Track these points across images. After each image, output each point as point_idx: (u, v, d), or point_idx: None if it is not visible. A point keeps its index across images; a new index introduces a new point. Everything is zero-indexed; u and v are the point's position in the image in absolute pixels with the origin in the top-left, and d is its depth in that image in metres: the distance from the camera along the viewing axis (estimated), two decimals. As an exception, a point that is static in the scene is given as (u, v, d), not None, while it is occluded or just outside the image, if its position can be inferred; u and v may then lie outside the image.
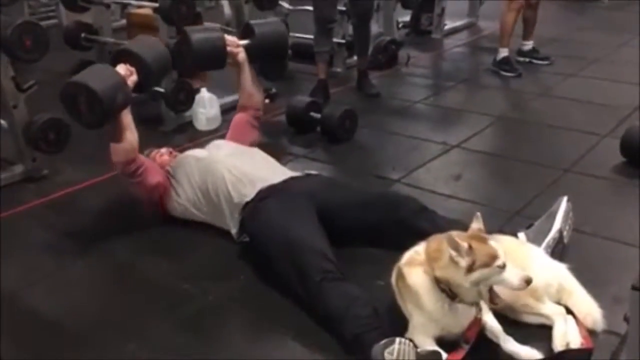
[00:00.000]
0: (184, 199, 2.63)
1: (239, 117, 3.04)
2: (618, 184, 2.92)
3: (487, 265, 1.72)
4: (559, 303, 1.98)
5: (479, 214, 1.87)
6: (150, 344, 2.01)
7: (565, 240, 2.28)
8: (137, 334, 2.06)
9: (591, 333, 1.89)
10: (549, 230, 2.25)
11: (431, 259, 1.82)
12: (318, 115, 3.57)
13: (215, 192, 2.51)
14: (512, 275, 1.74)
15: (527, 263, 2.00)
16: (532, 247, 2.11)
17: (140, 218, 2.81)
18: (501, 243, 2.01)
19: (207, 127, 3.73)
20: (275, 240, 2.18)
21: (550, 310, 1.93)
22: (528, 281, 1.73)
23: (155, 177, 2.64)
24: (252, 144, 2.91)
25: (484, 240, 1.77)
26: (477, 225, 1.86)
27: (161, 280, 2.33)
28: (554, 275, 2.01)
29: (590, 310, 1.94)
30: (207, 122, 3.73)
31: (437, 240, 1.82)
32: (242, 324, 2.14)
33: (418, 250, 1.91)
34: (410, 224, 2.26)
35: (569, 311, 1.96)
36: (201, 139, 3.64)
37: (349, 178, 3.06)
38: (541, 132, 3.60)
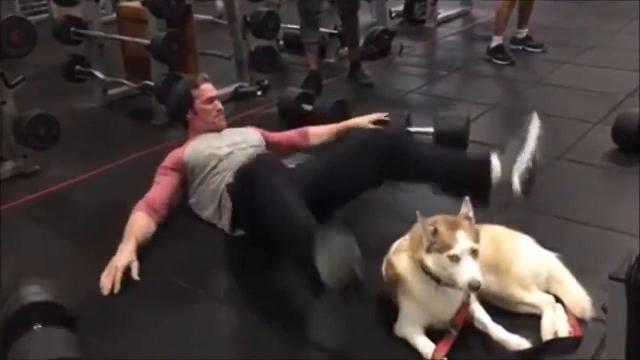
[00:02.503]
0: (190, 193, 2.65)
1: (295, 139, 2.95)
2: (610, 171, 2.91)
3: (440, 251, 1.74)
4: (547, 292, 1.98)
5: (467, 198, 1.87)
6: (143, 341, 2.00)
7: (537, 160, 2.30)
8: (130, 331, 2.05)
9: (580, 321, 1.89)
10: (521, 153, 2.26)
11: (413, 242, 1.85)
12: (309, 107, 3.56)
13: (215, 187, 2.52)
14: (463, 273, 1.71)
15: (515, 252, 2.01)
16: (521, 236, 2.10)
17: (127, 210, 2.80)
18: (490, 232, 2.04)
19: (199, 120, 3.70)
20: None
21: (538, 299, 1.93)
22: (474, 287, 1.70)
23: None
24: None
25: (454, 228, 1.76)
26: (465, 210, 1.86)
27: (155, 276, 2.31)
28: (542, 264, 2.01)
29: (579, 298, 1.93)
30: (198, 115, 3.70)
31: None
32: (237, 321, 2.13)
33: (406, 238, 1.92)
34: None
35: (557, 300, 1.96)
36: (193, 132, 3.64)
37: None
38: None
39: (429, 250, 1.77)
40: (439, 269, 1.77)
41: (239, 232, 2.41)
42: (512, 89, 4.22)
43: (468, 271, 1.71)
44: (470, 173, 2.35)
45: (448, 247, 1.73)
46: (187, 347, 1.96)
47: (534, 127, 2.33)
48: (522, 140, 2.29)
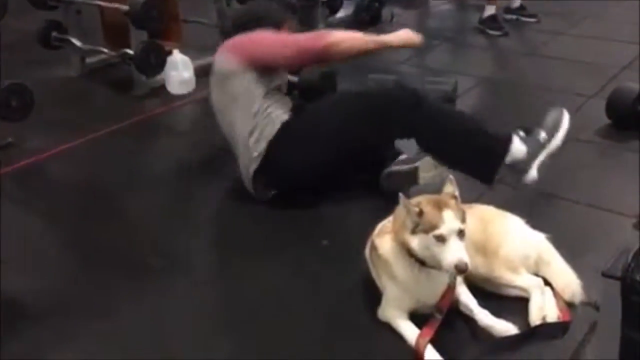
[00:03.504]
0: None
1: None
2: (602, 147, 2.83)
3: (425, 232, 1.66)
4: (537, 274, 1.91)
5: (452, 177, 1.79)
6: (117, 323, 1.91)
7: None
8: (104, 312, 1.96)
9: (569, 305, 1.82)
10: (547, 146, 2.17)
11: (396, 224, 1.77)
12: (295, 79, 3.43)
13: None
14: (449, 254, 1.63)
15: (504, 233, 1.94)
16: (511, 217, 2.02)
17: (111, 187, 2.71)
18: (478, 212, 1.97)
19: (181, 90, 3.58)
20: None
21: (527, 282, 1.86)
22: (460, 268, 1.62)
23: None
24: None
25: (440, 207, 1.68)
26: (449, 189, 1.78)
27: (131, 256, 2.23)
28: (532, 245, 1.94)
29: (569, 282, 1.87)
30: (180, 86, 3.58)
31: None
32: (212, 304, 2.03)
33: (390, 219, 1.85)
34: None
35: (547, 283, 1.89)
36: (175, 103, 3.53)
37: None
38: (527, 94, 3.50)
39: (413, 232, 1.69)
40: (424, 250, 1.69)
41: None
42: (504, 60, 4.12)
43: (454, 252, 1.64)
44: (484, 146, 2.18)
45: (434, 227, 1.65)
46: (157, 329, 1.88)
47: (565, 124, 2.22)
48: (551, 134, 2.18)
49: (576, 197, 2.40)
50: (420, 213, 1.68)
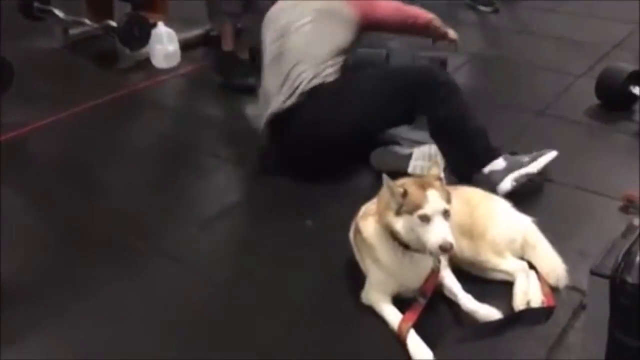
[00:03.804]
0: None
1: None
2: (591, 128, 2.81)
3: (410, 212, 1.64)
4: (522, 258, 1.90)
5: (439, 159, 1.77)
6: (98, 304, 1.89)
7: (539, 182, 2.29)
8: (86, 292, 1.93)
9: (554, 290, 1.82)
10: (524, 165, 2.23)
11: (380, 205, 1.75)
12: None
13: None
14: (434, 234, 1.62)
15: (491, 216, 1.92)
16: (497, 200, 2.01)
17: (93, 164, 2.67)
18: (464, 195, 1.95)
19: (166, 64, 3.52)
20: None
21: (512, 266, 1.85)
22: (445, 248, 1.61)
23: None
24: None
25: (424, 188, 1.66)
26: (435, 171, 1.76)
27: (114, 237, 2.19)
28: (518, 229, 1.93)
29: (554, 266, 1.86)
30: (165, 60, 3.51)
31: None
32: (192, 286, 1.98)
33: (374, 201, 1.82)
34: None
35: (532, 266, 1.88)
36: (160, 77, 3.47)
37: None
38: (516, 72, 3.46)
39: (398, 213, 1.67)
40: (409, 232, 1.67)
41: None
42: (494, 38, 4.06)
43: (439, 232, 1.62)
44: (476, 150, 2.27)
45: (418, 206, 1.63)
46: (139, 310, 1.86)
47: (549, 157, 2.31)
48: (533, 159, 2.28)
49: (563, 179, 2.38)
50: (405, 193, 1.66)
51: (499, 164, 2.23)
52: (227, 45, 3.23)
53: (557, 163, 2.49)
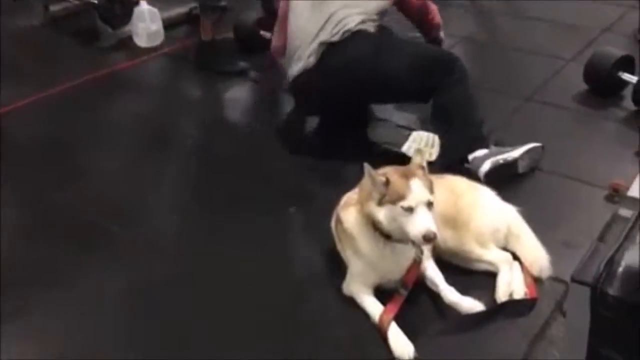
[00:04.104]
0: None
1: None
2: (578, 115, 2.77)
3: (392, 202, 1.61)
4: (505, 248, 1.88)
5: (422, 148, 1.73)
6: (75, 287, 1.85)
7: (520, 170, 2.28)
8: (60, 276, 1.90)
9: (537, 281, 1.80)
10: (505, 152, 2.27)
11: (362, 195, 1.72)
12: (268, 34, 3.30)
13: None
14: (417, 224, 1.59)
15: (475, 205, 1.89)
16: (482, 189, 1.98)
17: (72, 145, 2.61)
18: (449, 184, 1.92)
19: (149, 43, 3.43)
20: None
21: (495, 256, 1.83)
22: (429, 238, 1.59)
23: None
24: None
25: (406, 178, 1.63)
26: (417, 160, 1.73)
27: (90, 220, 2.15)
28: (502, 219, 1.90)
29: (538, 257, 1.83)
30: (148, 39, 3.43)
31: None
32: (171, 272, 1.95)
33: (355, 191, 1.79)
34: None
35: (516, 257, 1.86)
36: (142, 56, 3.39)
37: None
38: (506, 56, 3.41)
39: (380, 203, 1.64)
40: (391, 222, 1.64)
41: None
42: (485, 20, 4.00)
43: (422, 222, 1.59)
44: (468, 137, 2.34)
45: (401, 197, 1.60)
46: (113, 292, 1.83)
47: (531, 146, 2.33)
48: (514, 148, 2.31)
49: (549, 167, 2.35)
50: (387, 182, 1.62)
51: (482, 151, 2.26)
52: (207, 34, 3.14)
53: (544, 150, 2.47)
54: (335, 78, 2.39)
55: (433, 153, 2.32)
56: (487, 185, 2.04)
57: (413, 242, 1.64)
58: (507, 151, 2.27)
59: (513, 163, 2.25)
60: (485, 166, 2.21)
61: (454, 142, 2.31)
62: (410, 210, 1.60)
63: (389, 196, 1.62)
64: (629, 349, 0.79)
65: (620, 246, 0.84)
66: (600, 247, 0.87)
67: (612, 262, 0.80)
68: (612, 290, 0.79)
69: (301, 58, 2.45)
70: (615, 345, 0.80)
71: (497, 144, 2.32)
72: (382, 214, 1.64)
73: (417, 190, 1.61)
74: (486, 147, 2.27)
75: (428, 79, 2.34)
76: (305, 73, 2.45)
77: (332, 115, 2.62)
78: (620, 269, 0.80)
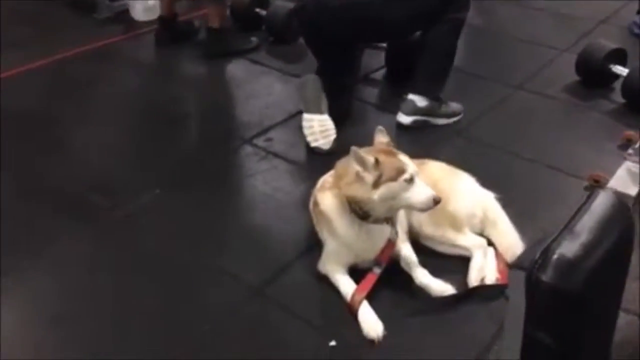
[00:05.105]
0: None
1: None
2: (567, 105, 2.78)
3: (393, 179, 1.63)
4: (481, 234, 1.90)
5: (381, 127, 1.78)
6: (54, 259, 1.89)
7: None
8: (40, 248, 1.93)
9: (510, 267, 1.82)
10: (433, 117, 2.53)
11: (339, 178, 1.73)
12: (264, 12, 3.31)
13: None
14: (420, 193, 1.65)
15: (452, 191, 1.91)
16: (461, 174, 1.99)
17: (62, 117, 2.62)
18: (429, 169, 1.93)
19: (145, 17, 3.45)
20: None
21: (469, 241, 1.86)
22: (437, 201, 1.65)
23: None
24: None
25: (392, 154, 1.67)
26: (383, 138, 1.75)
27: (70, 191, 2.18)
28: (479, 205, 1.92)
29: (512, 243, 1.86)
30: (144, 12, 3.44)
31: (346, 159, 1.70)
32: (149, 247, 1.97)
33: (332, 174, 1.81)
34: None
35: (490, 243, 1.88)
36: (138, 30, 3.39)
37: (290, 82, 2.87)
38: (500, 43, 3.42)
39: (376, 185, 1.63)
40: (387, 200, 1.65)
41: None
42: (482, 7, 3.97)
43: (425, 189, 1.65)
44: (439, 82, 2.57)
45: (401, 171, 1.64)
46: (97, 263, 1.85)
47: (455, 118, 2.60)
48: (447, 112, 2.58)
49: (533, 155, 2.37)
50: (377, 162, 1.63)
51: (422, 101, 2.49)
52: (214, 22, 3.10)
53: (529, 138, 2.48)
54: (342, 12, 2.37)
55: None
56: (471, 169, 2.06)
57: (422, 209, 1.69)
58: (436, 116, 2.52)
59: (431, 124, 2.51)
60: (407, 119, 2.48)
61: (424, 80, 2.48)
62: (411, 182, 1.64)
63: (387, 175, 1.63)
64: (561, 334, 0.82)
65: (559, 235, 0.86)
66: (546, 236, 0.89)
67: (547, 251, 0.83)
68: (545, 277, 0.81)
69: None
70: (549, 329, 0.83)
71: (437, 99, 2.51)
72: (377, 195, 1.64)
73: (408, 161, 1.67)
74: (434, 98, 2.48)
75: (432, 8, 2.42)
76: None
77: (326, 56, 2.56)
78: (555, 257, 0.83)
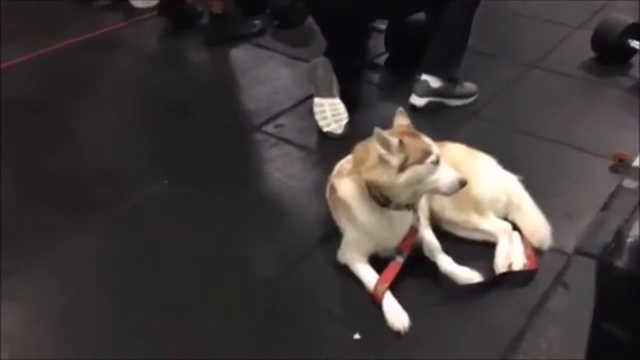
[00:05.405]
0: None
1: None
2: (585, 83, 2.69)
3: (419, 162, 1.55)
4: (505, 218, 1.83)
5: (401, 108, 1.69)
6: (61, 252, 1.82)
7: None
8: (46, 241, 1.86)
9: (537, 252, 1.75)
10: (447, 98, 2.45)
11: (359, 163, 1.64)
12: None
13: None
14: (446, 175, 1.57)
15: (474, 174, 1.82)
16: (483, 156, 1.91)
17: (63, 107, 2.55)
18: (449, 151, 1.85)
19: (144, 4, 3.37)
20: None
21: (494, 226, 1.78)
22: (463, 183, 1.58)
23: None
24: None
25: (415, 136, 1.59)
26: (403, 120, 1.67)
27: (74, 183, 2.10)
28: (502, 188, 1.84)
29: (538, 227, 1.78)
30: (143, -1, 3.35)
31: (365, 143, 1.63)
32: (154, 239, 1.90)
33: (349, 159, 1.72)
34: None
35: (516, 227, 1.81)
36: (136, 17, 3.31)
37: (297, 66, 2.79)
38: (512, 21, 3.33)
39: (402, 168, 1.54)
40: (413, 184, 1.57)
41: None
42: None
43: (450, 171, 1.58)
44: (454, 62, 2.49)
45: (428, 153, 1.56)
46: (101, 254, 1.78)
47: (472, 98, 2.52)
48: (461, 93, 2.50)
49: (553, 135, 2.29)
50: (401, 144, 1.54)
51: (436, 81, 2.41)
52: (217, 8, 2.99)
53: (548, 117, 2.41)
54: None
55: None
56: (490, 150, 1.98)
57: (447, 193, 1.61)
58: (451, 97, 2.45)
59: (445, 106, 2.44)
60: (421, 101, 2.41)
61: (437, 60, 2.40)
62: (437, 164, 1.56)
63: (413, 157, 1.54)
64: (635, 325, 0.74)
65: (630, 217, 0.78)
66: (606, 219, 0.82)
67: (620, 234, 0.75)
68: (620, 263, 0.73)
69: None
70: (621, 320, 0.75)
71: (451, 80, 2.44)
72: (403, 179, 1.55)
73: (432, 143, 1.58)
74: (448, 79, 2.41)
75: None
76: None
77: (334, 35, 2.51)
78: (629, 241, 0.75)
